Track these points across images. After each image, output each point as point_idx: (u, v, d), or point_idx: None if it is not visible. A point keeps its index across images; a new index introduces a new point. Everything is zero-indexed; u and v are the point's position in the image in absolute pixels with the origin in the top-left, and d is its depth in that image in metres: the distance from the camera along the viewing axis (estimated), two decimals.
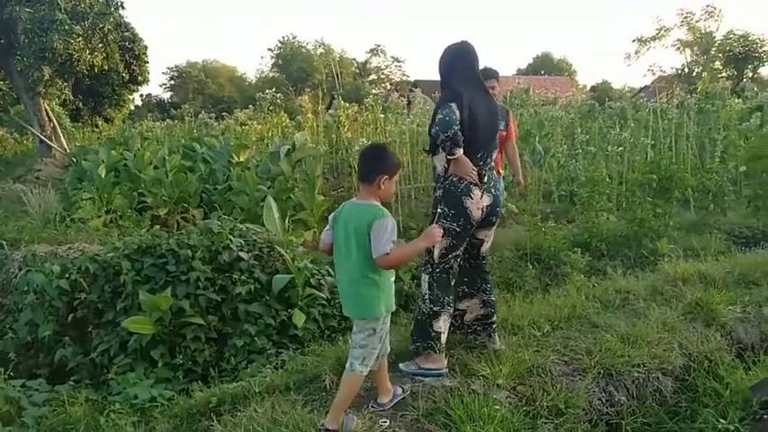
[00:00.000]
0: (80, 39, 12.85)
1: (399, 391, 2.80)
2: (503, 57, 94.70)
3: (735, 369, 3.39)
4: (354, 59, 44.52)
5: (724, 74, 23.56)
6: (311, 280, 4.43)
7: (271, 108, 11.04)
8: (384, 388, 2.74)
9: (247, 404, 2.89)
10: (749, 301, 4.07)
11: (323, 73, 38.89)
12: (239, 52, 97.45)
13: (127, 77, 17.21)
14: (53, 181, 10.33)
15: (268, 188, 6.87)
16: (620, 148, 8.08)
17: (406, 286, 4.72)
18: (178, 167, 8.05)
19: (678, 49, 31.21)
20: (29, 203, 7.58)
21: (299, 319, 4.16)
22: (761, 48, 26.95)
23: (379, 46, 47.32)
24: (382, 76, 44.90)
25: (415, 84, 24.83)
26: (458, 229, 2.91)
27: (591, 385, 3.02)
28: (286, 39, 43.69)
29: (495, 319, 3.28)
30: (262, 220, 5.53)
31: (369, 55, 45.49)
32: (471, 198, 2.90)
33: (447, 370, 3.03)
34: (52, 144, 14.31)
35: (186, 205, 7.54)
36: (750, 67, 27.60)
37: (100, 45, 13.95)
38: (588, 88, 33.91)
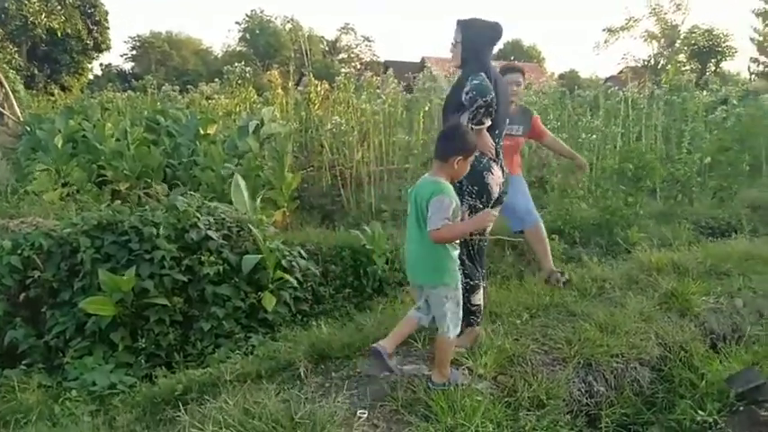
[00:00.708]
0: (35, 1, 12.11)
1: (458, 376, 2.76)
2: None
3: (709, 360, 3.40)
4: (323, 37, 43.73)
5: (688, 67, 24.05)
6: (282, 262, 4.26)
7: (239, 82, 10.65)
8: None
9: (217, 393, 2.72)
10: (721, 291, 4.10)
11: (291, 49, 38.06)
12: (205, 25, 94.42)
13: (91, 44, 16.38)
14: (4, 150, 9.75)
15: (236, 165, 6.61)
16: (594, 137, 8.10)
17: (381, 270, 4.60)
18: (141, 140, 7.66)
19: (646, 40, 31.70)
20: None
21: (269, 302, 4.00)
22: (724, 43, 27.62)
23: (348, 24, 46.50)
24: (352, 56, 44.27)
25: (386, 65, 24.53)
26: (481, 207, 2.89)
27: (571, 375, 2.98)
28: (254, 13, 42.50)
29: None
30: (229, 197, 5.31)
31: (339, 33, 44.74)
32: (492, 174, 2.93)
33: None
34: (4, 111, 13.53)
35: (149, 180, 7.20)
36: (713, 61, 28.28)
37: (59, 8, 13.19)
38: (557, 76, 34.16)
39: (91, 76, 24.78)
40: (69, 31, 14.34)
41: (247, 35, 42.17)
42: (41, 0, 12.36)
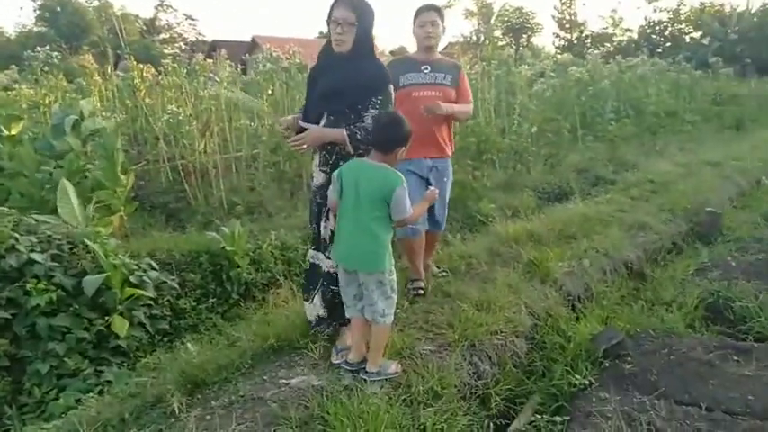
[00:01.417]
0: None
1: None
2: (301, 18, 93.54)
3: (573, 322, 3.65)
4: (138, 16, 39.98)
5: (504, 42, 26.17)
6: (131, 278, 3.72)
7: (45, 69, 9.20)
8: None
9: None
10: (571, 255, 4.44)
11: (102, 29, 34.25)
12: None
13: None
14: None
15: (54, 168, 5.67)
16: None
17: (245, 273, 4.25)
18: None
19: (466, 17, 33.80)
20: None
21: (120, 326, 3.47)
22: (532, 20, 30.44)
23: (163, 1, 42.69)
24: (174, 35, 41.14)
25: (214, 44, 23.13)
26: None
27: (459, 360, 2.98)
28: None
29: None
30: (51, 207, 4.52)
31: (156, 11, 41.18)
32: None
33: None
34: None
35: None
36: (525, 36, 31.08)
37: None
38: (388, 52, 35.12)
39: None
40: None
41: (46, 13, 36.99)
42: None
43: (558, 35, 35.29)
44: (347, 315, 2.80)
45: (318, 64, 2.88)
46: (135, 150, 8.29)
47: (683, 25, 38.04)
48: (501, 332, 3.28)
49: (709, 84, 16.76)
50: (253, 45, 28.40)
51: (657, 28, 37.54)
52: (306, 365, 2.85)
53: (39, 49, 9.44)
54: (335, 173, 2.62)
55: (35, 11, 37.69)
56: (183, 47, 35.00)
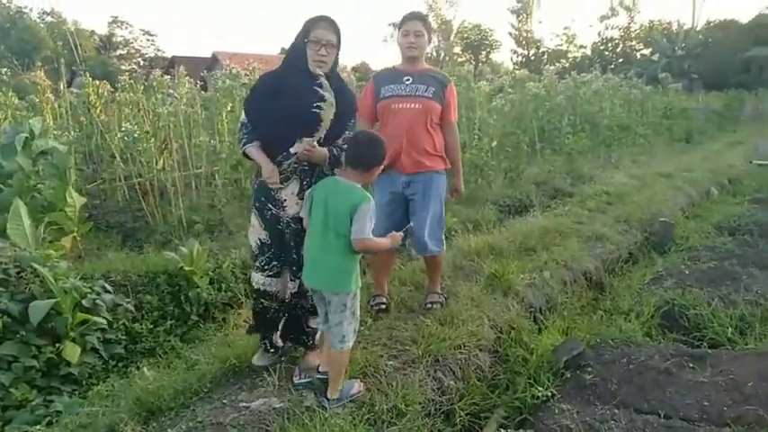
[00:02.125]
0: None
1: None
2: (262, 34, 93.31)
3: (535, 334, 3.69)
4: (93, 32, 39.17)
5: (464, 58, 26.67)
6: (83, 301, 3.58)
7: None
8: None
9: None
10: (532, 267, 4.50)
11: (55, 45, 33.42)
12: None
13: None
14: None
15: (3, 188, 5.45)
16: None
17: (205, 293, 4.15)
18: None
19: None
20: None
21: (71, 353, 3.33)
22: (491, 36, 31.14)
23: (116, 17, 41.72)
24: (132, 51, 40.42)
25: (174, 60, 22.80)
26: None
27: (423, 376, 2.97)
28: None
29: None
30: (1, 229, 4.33)
31: (111, 28, 40.41)
32: None
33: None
34: None
35: None
36: (484, 53, 31.73)
37: None
38: (350, 68, 35.36)
39: None
40: None
41: None
42: None
43: (515, 52, 36.26)
44: (321, 329, 2.78)
45: (284, 81, 2.66)
46: (90, 169, 8.06)
47: (634, 42, 39.64)
48: (464, 346, 3.27)
49: (659, 98, 17.42)
50: (213, 61, 28.09)
51: (610, 45, 38.99)
52: (267, 387, 2.78)
53: None
54: (308, 191, 2.62)
55: None
56: (142, 63, 34.42)
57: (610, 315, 4.16)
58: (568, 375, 3.21)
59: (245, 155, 2.75)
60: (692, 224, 6.63)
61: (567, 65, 32.82)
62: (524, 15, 39.51)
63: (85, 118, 8.54)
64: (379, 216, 2.89)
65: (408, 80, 3.42)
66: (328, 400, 2.59)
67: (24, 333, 3.30)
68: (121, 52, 39.53)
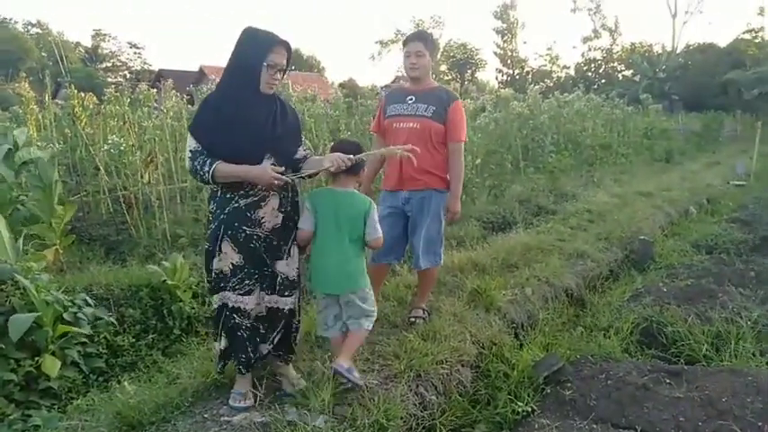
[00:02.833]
0: None
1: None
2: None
3: (516, 350, 3.73)
4: (79, 43, 39.01)
5: (450, 77, 27.00)
6: (65, 314, 3.55)
7: None
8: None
9: None
10: (514, 283, 4.56)
11: (41, 56, 33.24)
12: None
13: None
14: None
15: None
16: None
17: (188, 307, 4.14)
18: None
19: None
20: None
21: (51, 366, 3.29)
22: (476, 56, 31.58)
23: (99, 30, 41.47)
24: (118, 64, 40.31)
25: (161, 74, 22.79)
26: None
27: (405, 391, 2.98)
28: None
29: None
30: None
31: (93, 41, 40.30)
32: None
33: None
34: None
35: None
36: (470, 71, 32.16)
37: None
38: (337, 85, 35.54)
39: None
40: None
41: None
42: None
43: (500, 71, 36.80)
44: (325, 335, 2.91)
45: (237, 103, 2.58)
46: (73, 181, 8.01)
47: (616, 63, 40.43)
48: (446, 361, 3.30)
49: (640, 119, 17.76)
50: (200, 75, 28.10)
51: (593, 66, 39.73)
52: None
53: None
54: (307, 204, 2.74)
55: None
56: (128, 75, 34.33)
57: (590, 331, 4.22)
58: (548, 391, 3.25)
59: (212, 178, 2.54)
60: (671, 242, 6.76)
61: (551, 84, 33.38)
62: (509, 36, 40.34)
63: (70, 130, 8.51)
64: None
65: (411, 99, 3.54)
66: (340, 365, 2.71)
67: (3, 346, 3.26)
68: (108, 65, 39.40)
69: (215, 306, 2.79)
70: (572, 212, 7.27)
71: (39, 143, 7.18)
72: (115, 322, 3.88)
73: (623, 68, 40.22)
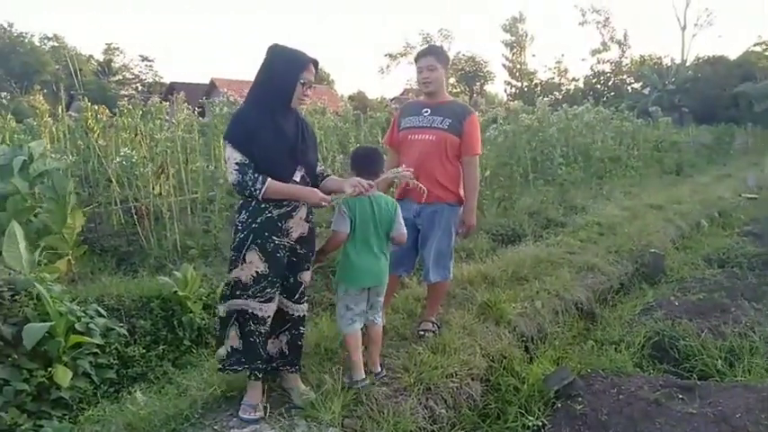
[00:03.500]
0: None
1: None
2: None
3: (527, 363, 3.71)
4: (91, 56, 39.58)
5: (459, 89, 27.12)
6: (77, 325, 3.58)
7: None
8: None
9: None
10: (524, 296, 4.54)
11: (54, 70, 33.75)
12: None
13: None
14: None
15: None
16: None
17: (198, 318, 4.16)
18: None
19: None
20: None
21: (63, 377, 3.31)
22: (485, 68, 31.70)
23: (111, 44, 42.02)
24: (131, 77, 40.83)
25: (173, 86, 23.06)
26: None
27: (414, 404, 2.98)
28: (1, 28, 36.76)
29: None
30: None
31: (110, 53, 40.87)
32: None
33: None
34: None
35: None
36: (479, 84, 32.26)
37: None
38: (347, 97, 35.80)
39: None
40: None
41: None
42: None
43: (509, 83, 36.88)
44: (352, 330, 2.97)
45: (273, 118, 2.65)
46: (86, 192, 8.09)
47: (625, 76, 40.38)
48: (456, 375, 3.29)
49: (650, 131, 17.69)
50: (212, 87, 28.44)
51: (602, 78, 39.71)
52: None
53: None
54: (343, 207, 2.89)
55: None
56: (140, 88, 34.76)
57: (600, 345, 4.19)
58: (559, 405, 3.23)
59: (265, 195, 2.58)
60: (682, 256, 6.71)
61: (560, 97, 33.39)
62: (518, 48, 40.49)
63: (83, 142, 8.61)
64: None
65: (427, 112, 3.58)
66: (381, 373, 3.13)
67: (16, 356, 3.29)
68: (120, 77, 39.93)
69: (221, 314, 2.83)
70: (582, 225, 7.24)
71: (52, 155, 7.28)
72: (126, 333, 3.90)
73: (632, 81, 40.18)
